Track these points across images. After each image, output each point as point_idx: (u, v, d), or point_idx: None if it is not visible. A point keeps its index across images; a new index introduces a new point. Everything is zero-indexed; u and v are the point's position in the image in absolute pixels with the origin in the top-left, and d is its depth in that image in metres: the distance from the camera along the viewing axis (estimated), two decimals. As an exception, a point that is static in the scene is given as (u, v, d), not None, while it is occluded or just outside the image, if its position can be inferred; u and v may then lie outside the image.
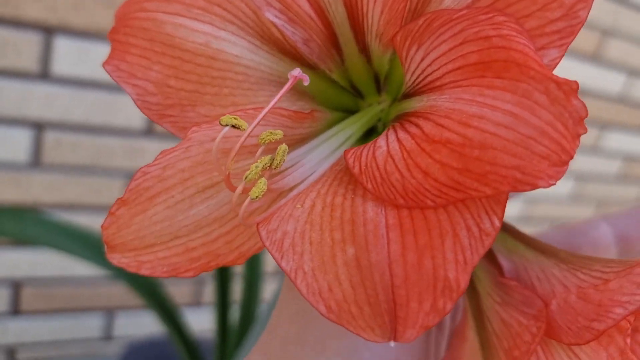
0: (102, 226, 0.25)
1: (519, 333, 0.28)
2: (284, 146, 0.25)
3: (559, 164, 0.21)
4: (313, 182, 0.27)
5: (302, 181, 0.27)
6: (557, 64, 0.23)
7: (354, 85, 0.31)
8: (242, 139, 0.24)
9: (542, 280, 0.30)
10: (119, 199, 0.25)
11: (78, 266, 1.19)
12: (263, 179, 0.24)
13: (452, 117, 0.22)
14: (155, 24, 0.27)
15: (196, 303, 1.36)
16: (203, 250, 0.26)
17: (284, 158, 0.25)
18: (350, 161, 0.25)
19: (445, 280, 0.21)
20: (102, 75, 1.04)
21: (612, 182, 1.80)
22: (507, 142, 0.21)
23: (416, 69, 0.26)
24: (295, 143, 0.28)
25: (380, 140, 0.25)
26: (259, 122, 0.26)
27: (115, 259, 0.26)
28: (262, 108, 0.27)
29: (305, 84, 0.25)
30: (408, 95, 0.27)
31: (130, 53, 0.27)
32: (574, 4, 0.23)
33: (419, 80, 0.26)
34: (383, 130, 0.30)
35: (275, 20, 0.27)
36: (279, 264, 0.23)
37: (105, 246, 0.26)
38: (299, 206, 0.24)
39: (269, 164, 0.25)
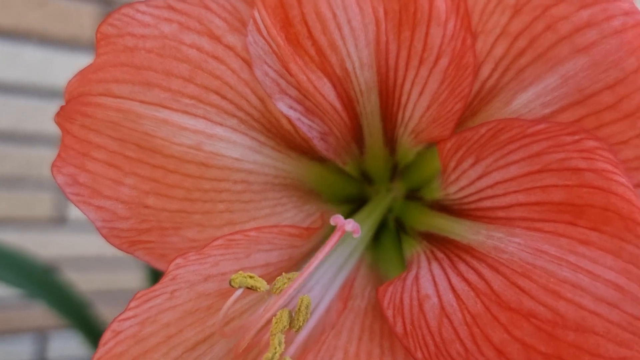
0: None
1: None
2: (307, 298, 0.19)
3: None
4: (331, 322, 0.21)
5: (312, 312, 0.21)
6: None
7: (365, 174, 0.25)
8: (267, 315, 0.18)
9: None
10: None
11: (5, 286, 1.09)
12: (288, 359, 0.18)
13: (534, 278, 0.17)
14: (129, 117, 0.20)
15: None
16: None
17: (308, 315, 0.19)
18: (390, 313, 0.19)
19: None
20: (32, 79, 0.95)
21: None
22: (612, 324, 0.16)
23: (468, 185, 0.20)
24: (297, 263, 0.22)
25: (425, 283, 0.20)
26: (262, 249, 0.20)
27: None
28: (266, 227, 0.21)
29: (356, 236, 0.20)
30: (447, 209, 0.22)
31: (93, 157, 0.20)
32: None
33: (470, 199, 0.20)
34: (394, 225, 0.25)
35: (289, 112, 0.21)
36: None
37: None
38: None
39: (287, 325, 0.18)
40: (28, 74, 0.96)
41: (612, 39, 0.18)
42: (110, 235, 0.20)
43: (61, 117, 0.20)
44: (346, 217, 0.24)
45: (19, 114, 0.98)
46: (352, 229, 0.19)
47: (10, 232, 1.02)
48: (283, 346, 0.17)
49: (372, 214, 0.24)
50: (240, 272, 0.18)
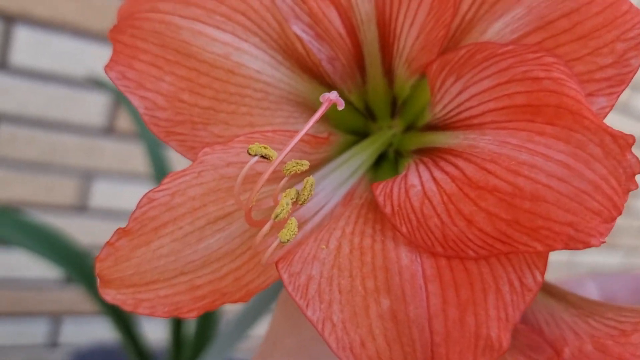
0: (97, 258, 0.22)
1: None
2: (311, 179, 0.23)
3: (609, 220, 0.20)
4: (334, 216, 0.24)
5: (318, 212, 0.25)
6: (607, 113, 0.22)
7: (368, 107, 0.29)
8: (270, 169, 0.21)
9: (550, 324, 0.28)
10: (120, 228, 0.22)
11: (23, 268, 1.12)
12: (293, 219, 0.22)
13: (499, 162, 0.21)
14: (170, 28, 0.24)
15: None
16: (210, 288, 0.23)
17: (312, 192, 0.23)
18: (381, 199, 0.23)
19: (487, 339, 0.20)
20: (62, 68, 0.99)
21: None
22: (561, 195, 0.20)
23: (450, 101, 0.24)
24: (310, 169, 0.26)
25: (412, 178, 0.23)
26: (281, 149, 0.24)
27: (110, 295, 0.23)
28: (281, 131, 0.25)
29: (340, 108, 0.23)
30: (434, 127, 0.25)
31: (139, 59, 0.24)
32: (626, 50, 0.21)
33: (452, 114, 0.24)
34: (394, 156, 0.29)
35: (302, 34, 0.25)
36: (304, 313, 0.21)
37: (99, 280, 0.23)
38: (323, 247, 0.22)
39: (294, 199, 0.22)
40: (59, 63, 0.99)
41: None
42: (150, 122, 0.24)
43: (114, 32, 0.24)
44: (350, 146, 0.28)
45: (47, 101, 1.02)
46: (336, 99, 0.23)
47: (32, 215, 1.05)
48: (290, 207, 0.21)
49: (373, 144, 0.28)
50: (257, 143, 0.22)
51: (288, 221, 0.21)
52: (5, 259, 1.11)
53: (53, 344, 1.25)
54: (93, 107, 1.04)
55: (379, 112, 0.29)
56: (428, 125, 0.26)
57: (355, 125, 0.29)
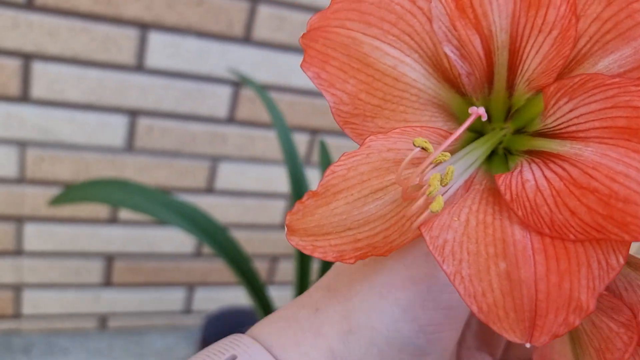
0: (289, 212, 0.30)
1: (610, 337, 0.31)
2: (452, 168, 0.29)
3: None
4: (460, 197, 0.31)
5: (445, 192, 0.31)
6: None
7: (487, 112, 0.35)
8: (430, 158, 0.29)
9: (628, 290, 0.32)
10: (310, 190, 0.30)
11: (164, 243, 1.26)
12: (440, 197, 0.29)
13: (599, 169, 0.27)
14: (355, 42, 0.31)
15: (269, 282, 1.45)
16: (366, 242, 0.31)
17: (452, 177, 0.30)
18: (502, 188, 0.30)
19: (578, 301, 0.26)
20: (191, 67, 1.11)
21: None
22: None
23: (561, 117, 0.30)
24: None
25: (527, 174, 0.30)
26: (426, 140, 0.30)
27: (294, 241, 0.30)
28: (426, 127, 0.32)
29: (484, 119, 0.30)
30: (544, 135, 0.31)
31: (330, 64, 0.31)
32: None
33: (561, 126, 0.30)
34: (502, 152, 0.35)
35: (450, 54, 0.31)
36: (440, 266, 0.28)
37: (287, 229, 0.30)
38: (455, 219, 0.29)
39: (440, 182, 0.29)
40: (187, 62, 1.10)
41: None
42: (335, 113, 0.31)
43: (306, 38, 0.31)
44: (469, 142, 0.34)
45: (178, 97, 1.14)
46: (481, 113, 0.29)
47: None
48: (439, 187, 0.29)
49: (489, 141, 0.34)
50: (419, 137, 0.29)
51: (437, 197, 0.29)
52: (149, 235, 1.25)
53: (188, 310, 1.40)
54: (217, 99, 1.16)
55: (495, 116, 0.34)
56: (538, 132, 0.31)
57: (475, 125, 0.35)
